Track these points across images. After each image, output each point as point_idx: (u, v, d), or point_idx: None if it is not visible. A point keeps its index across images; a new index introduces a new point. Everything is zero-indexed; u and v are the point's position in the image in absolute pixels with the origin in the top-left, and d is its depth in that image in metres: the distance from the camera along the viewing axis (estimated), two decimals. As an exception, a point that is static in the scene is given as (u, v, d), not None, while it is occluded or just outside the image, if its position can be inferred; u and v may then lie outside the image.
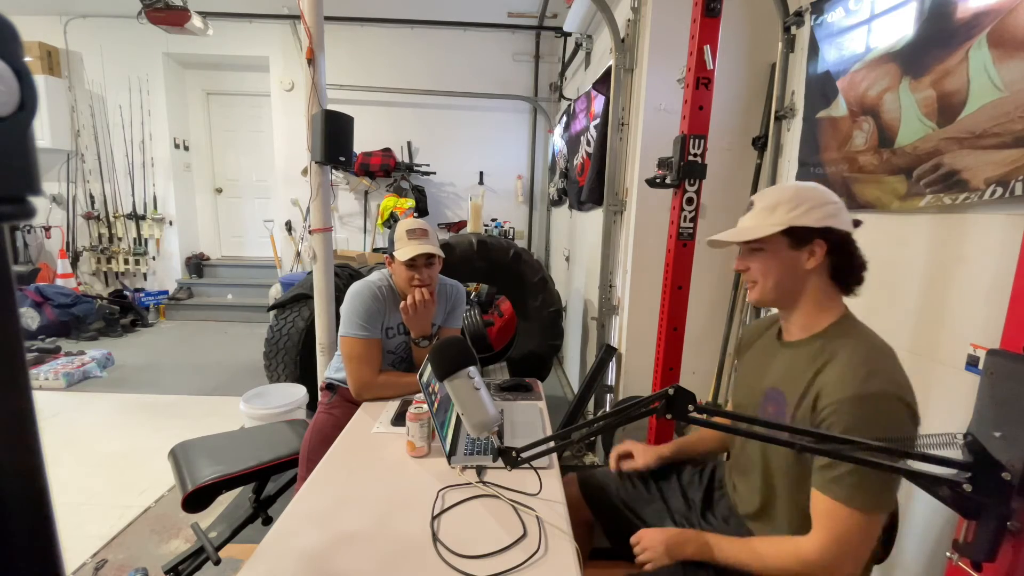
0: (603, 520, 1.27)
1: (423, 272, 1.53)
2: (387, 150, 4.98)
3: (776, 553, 0.89)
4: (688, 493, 1.23)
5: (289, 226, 5.25)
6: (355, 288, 1.57)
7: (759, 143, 2.10)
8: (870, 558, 0.92)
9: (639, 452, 1.26)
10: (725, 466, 1.20)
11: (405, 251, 1.49)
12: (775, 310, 1.02)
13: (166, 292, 5.41)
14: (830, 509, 0.83)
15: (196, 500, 1.45)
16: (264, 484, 1.63)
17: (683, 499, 1.22)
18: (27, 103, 0.27)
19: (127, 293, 5.18)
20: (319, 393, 1.74)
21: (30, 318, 4.29)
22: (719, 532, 1.04)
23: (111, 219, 5.24)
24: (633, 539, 1.00)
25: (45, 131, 4.72)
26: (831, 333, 0.90)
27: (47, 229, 5.17)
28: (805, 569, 0.85)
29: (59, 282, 4.83)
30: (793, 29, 1.90)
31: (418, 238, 1.51)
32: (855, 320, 0.92)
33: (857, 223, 0.91)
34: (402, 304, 1.52)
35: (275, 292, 4.46)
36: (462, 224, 4.89)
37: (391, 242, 1.55)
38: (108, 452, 2.54)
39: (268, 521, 1.62)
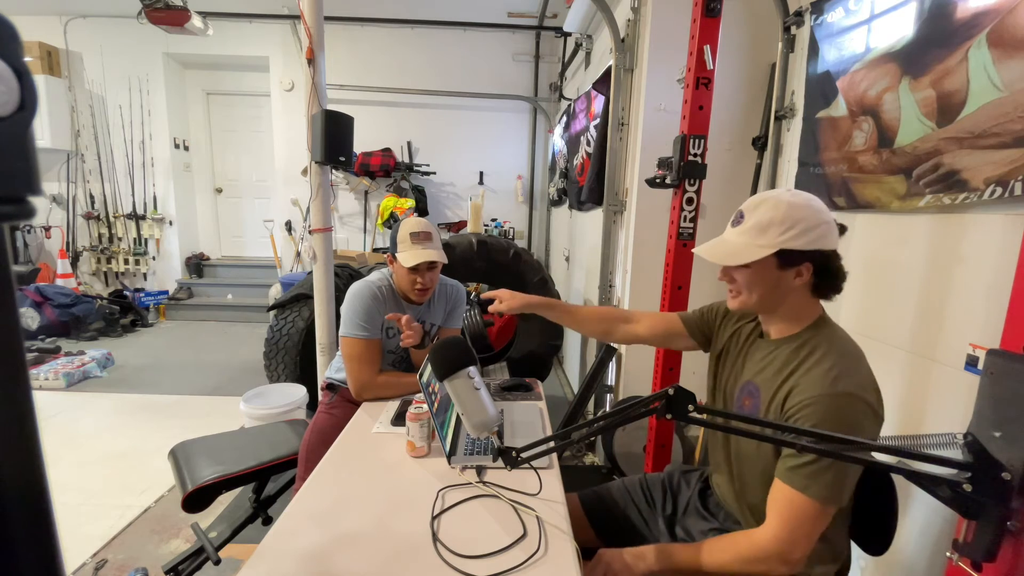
0: (604, 530, 1.25)
1: (426, 276, 1.53)
2: (387, 150, 4.98)
3: (732, 546, 0.94)
4: (678, 498, 1.24)
5: (289, 226, 5.25)
6: (355, 288, 1.57)
7: (759, 143, 2.10)
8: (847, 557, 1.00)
9: (505, 297, 1.32)
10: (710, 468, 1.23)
11: (408, 256, 1.49)
12: None
13: (166, 292, 5.41)
14: (787, 496, 0.87)
15: (196, 500, 1.45)
16: (264, 484, 1.63)
17: (673, 503, 1.23)
18: (27, 103, 0.27)
19: (127, 293, 5.18)
20: (319, 393, 1.74)
21: (30, 318, 4.29)
22: (711, 529, 1.10)
23: (111, 219, 5.24)
24: (591, 564, 1.00)
25: (45, 131, 4.72)
26: (806, 335, 0.95)
27: (47, 229, 5.16)
28: (759, 554, 0.89)
29: (59, 282, 4.82)
30: (793, 29, 1.90)
31: (422, 241, 1.51)
32: (829, 322, 0.97)
33: (843, 229, 0.93)
34: (403, 335, 1.51)
35: (275, 292, 4.46)
36: (462, 224, 4.89)
37: (394, 242, 1.54)
38: (108, 452, 2.54)
39: (268, 521, 1.62)
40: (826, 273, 0.92)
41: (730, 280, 0.99)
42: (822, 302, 0.97)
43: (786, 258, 0.90)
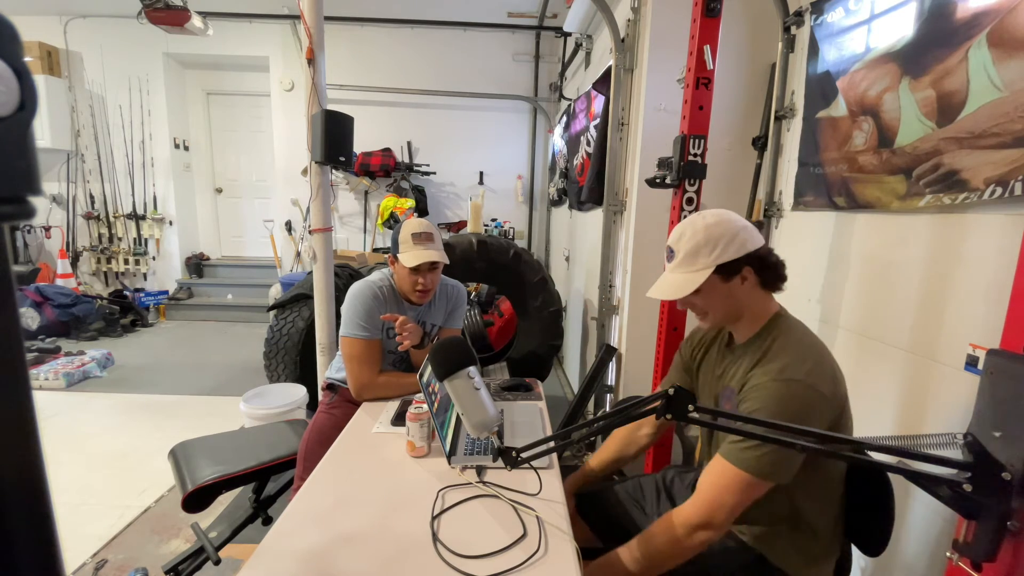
0: (600, 531, 1.26)
1: (427, 277, 1.53)
2: (387, 150, 4.98)
3: (665, 528, 0.97)
4: (675, 497, 1.25)
5: (289, 226, 5.25)
6: (356, 288, 1.57)
7: (759, 143, 2.10)
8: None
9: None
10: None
11: (409, 257, 1.49)
12: None
13: (166, 292, 5.41)
14: (719, 468, 0.93)
15: (196, 500, 1.45)
16: (264, 484, 1.63)
17: (670, 502, 1.24)
18: (27, 103, 0.27)
19: (127, 293, 5.18)
20: (319, 393, 1.74)
21: (30, 318, 4.29)
22: None
23: (111, 219, 5.24)
24: None
25: (45, 131, 4.72)
26: (765, 332, 1.02)
27: (47, 229, 5.16)
28: (685, 527, 0.94)
29: (59, 282, 4.82)
30: (793, 29, 1.90)
31: (423, 243, 1.51)
32: (786, 316, 1.04)
33: (760, 226, 1.01)
34: (397, 338, 1.52)
35: (275, 292, 4.46)
36: (462, 224, 4.88)
37: (395, 243, 1.54)
38: (108, 452, 2.54)
39: (268, 521, 1.62)
40: (766, 268, 1.00)
41: (692, 307, 1.06)
42: (777, 299, 1.05)
43: (725, 270, 0.98)
